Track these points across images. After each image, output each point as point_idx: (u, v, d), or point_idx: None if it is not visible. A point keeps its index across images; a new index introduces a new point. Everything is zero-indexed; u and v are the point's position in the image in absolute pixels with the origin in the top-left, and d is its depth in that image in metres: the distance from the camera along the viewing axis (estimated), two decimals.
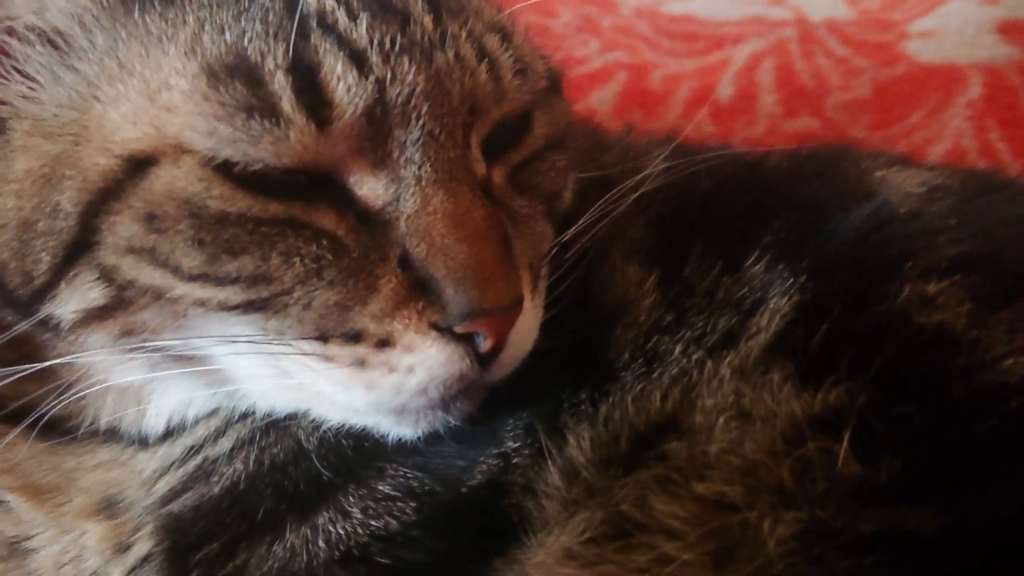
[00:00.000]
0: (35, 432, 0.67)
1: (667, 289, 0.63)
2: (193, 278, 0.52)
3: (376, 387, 0.54)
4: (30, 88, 0.56)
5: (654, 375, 0.58)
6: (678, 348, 0.60)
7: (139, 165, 0.52)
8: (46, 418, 0.65)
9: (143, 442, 0.67)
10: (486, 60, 0.57)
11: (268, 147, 0.51)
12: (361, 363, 0.54)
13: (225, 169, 0.51)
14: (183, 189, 0.51)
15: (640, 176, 0.71)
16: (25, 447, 0.68)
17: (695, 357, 0.58)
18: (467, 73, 0.55)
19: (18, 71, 0.56)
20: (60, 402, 0.64)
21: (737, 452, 0.52)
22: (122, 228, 0.52)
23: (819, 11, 1.59)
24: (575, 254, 0.67)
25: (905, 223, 0.64)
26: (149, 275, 0.53)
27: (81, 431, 0.68)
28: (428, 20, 0.55)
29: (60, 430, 0.67)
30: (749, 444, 0.52)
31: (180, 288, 0.53)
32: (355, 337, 0.53)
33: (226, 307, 0.53)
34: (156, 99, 0.52)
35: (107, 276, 0.54)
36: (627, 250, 0.67)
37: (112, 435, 0.68)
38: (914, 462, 0.48)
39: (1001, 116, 1.29)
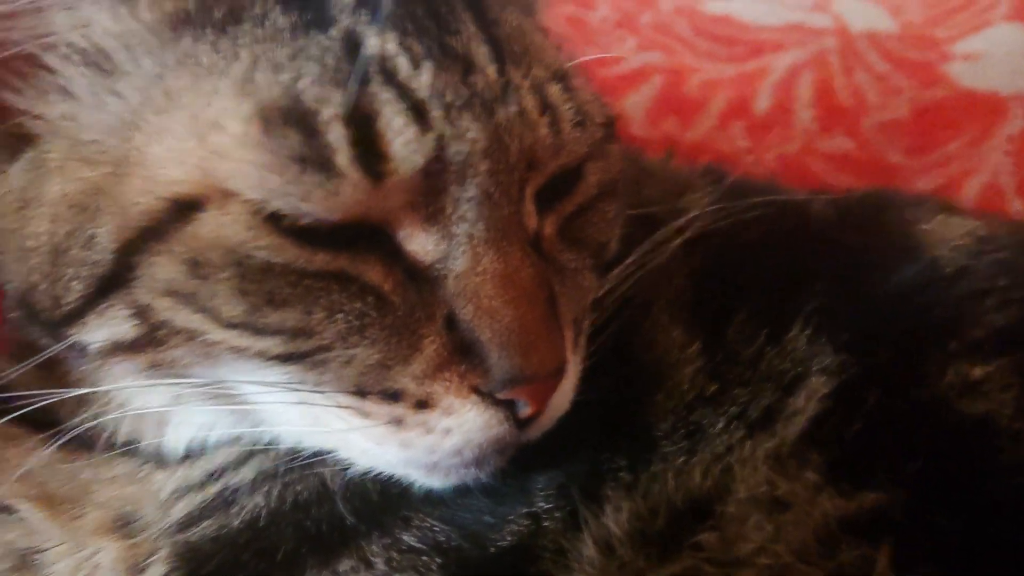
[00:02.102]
0: (51, 440, 0.67)
1: (711, 356, 0.61)
2: (232, 326, 0.50)
3: (411, 446, 0.53)
4: (69, 107, 0.54)
5: (696, 449, 0.57)
6: (720, 423, 0.58)
7: (184, 209, 0.49)
8: (64, 430, 0.64)
9: (161, 461, 0.66)
10: (547, 113, 0.54)
11: (320, 202, 0.48)
12: (398, 422, 0.52)
13: (274, 220, 0.49)
14: (229, 238, 0.49)
15: (685, 220, 0.69)
16: (40, 453, 0.67)
17: (737, 435, 0.57)
18: (528, 128, 0.53)
19: (58, 88, 0.54)
20: (80, 418, 0.63)
21: (769, 553, 0.51)
22: (162, 271, 0.50)
23: (862, 20, 1.55)
24: (616, 301, 0.65)
25: (951, 284, 0.62)
26: (186, 318, 0.51)
27: (98, 443, 0.67)
28: (492, 69, 0.52)
29: (76, 440, 0.66)
30: (782, 545, 0.50)
31: (218, 334, 0.51)
32: (393, 396, 0.52)
33: (263, 356, 0.51)
34: (205, 140, 0.49)
35: (140, 313, 0.53)
36: (672, 307, 0.65)
37: (129, 450, 0.67)
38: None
39: None
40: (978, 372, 0.56)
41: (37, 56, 0.54)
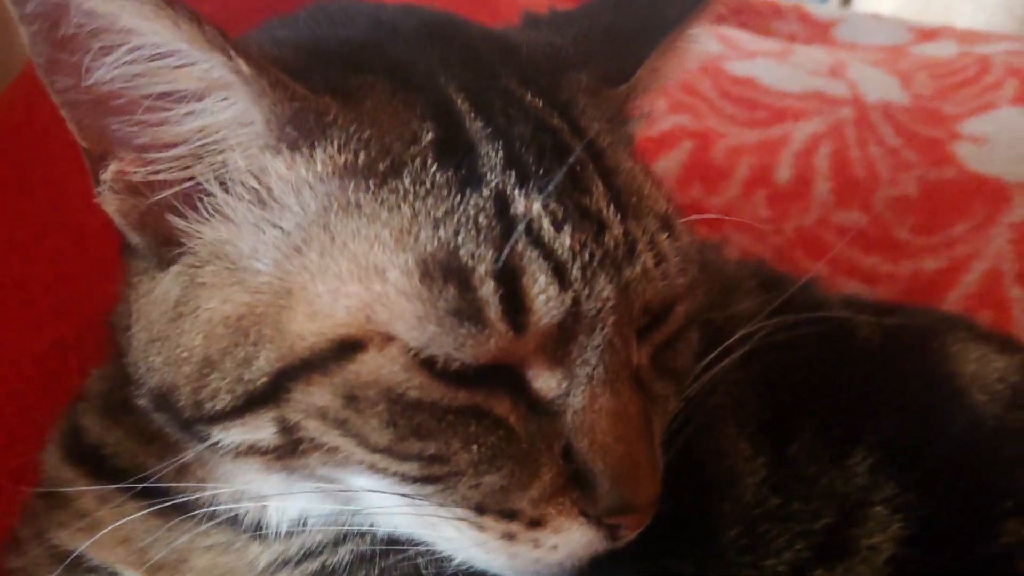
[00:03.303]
0: (150, 506, 0.71)
1: (775, 470, 0.68)
2: (377, 451, 0.56)
3: (518, 558, 0.59)
4: (228, 232, 0.58)
5: (761, 562, 0.64)
6: (783, 537, 0.65)
7: (347, 348, 0.54)
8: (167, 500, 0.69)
9: (256, 534, 0.71)
10: (661, 265, 0.60)
11: (469, 349, 0.54)
12: (510, 537, 0.58)
13: (428, 363, 0.54)
14: (387, 378, 0.54)
15: (744, 333, 0.75)
16: (141, 520, 0.71)
17: (803, 553, 0.63)
18: (648, 283, 0.59)
19: (220, 213, 0.58)
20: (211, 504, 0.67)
21: None
22: (318, 398, 0.55)
23: (875, 90, 1.62)
24: (684, 410, 0.71)
25: (995, 440, 0.69)
26: (332, 439, 0.56)
27: (195, 511, 0.71)
28: (619, 229, 0.58)
29: (174, 506, 0.71)
30: None
31: (360, 455, 0.56)
32: (510, 515, 0.57)
33: (400, 477, 0.57)
34: (370, 286, 0.54)
35: (286, 428, 0.57)
36: (738, 418, 0.71)
37: (226, 521, 0.71)
38: None
39: None
40: None
41: (208, 188, 0.58)
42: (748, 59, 1.67)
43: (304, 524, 0.70)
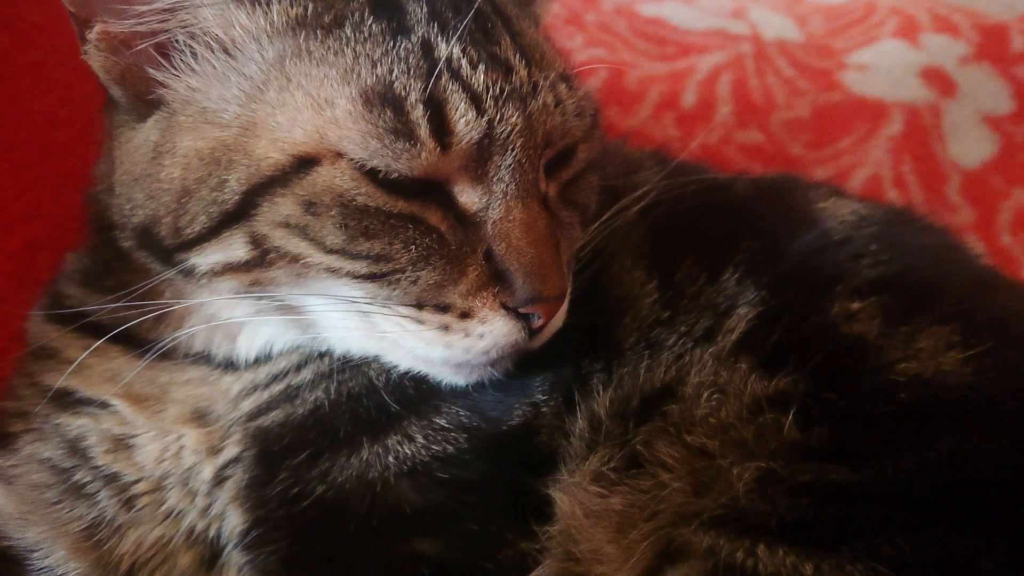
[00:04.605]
0: (133, 350, 0.82)
1: (664, 291, 0.82)
2: (332, 251, 0.67)
3: (452, 347, 0.71)
4: (198, 81, 0.70)
5: (657, 356, 0.78)
6: (672, 339, 0.79)
7: (305, 163, 0.66)
8: (154, 345, 0.79)
9: (229, 366, 0.82)
10: (559, 106, 0.73)
11: (405, 162, 0.66)
12: (445, 328, 0.70)
13: (371, 174, 0.66)
14: (338, 186, 0.66)
15: (642, 191, 0.90)
16: (125, 361, 0.82)
17: (686, 346, 0.78)
18: (548, 116, 0.72)
19: (190, 66, 0.70)
20: (173, 333, 0.78)
21: (715, 416, 0.72)
22: (282, 208, 0.67)
23: (772, 29, 1.79)
24: (590, 251, 0.85)
25: (838, 247, 0.84)
26: (295, 245, 0.68)
27: (173, 352, 0.82)
28: (524, 73, 0.71)
29: (154, 349, 0.80)
30: (723, 411, 0.72)
31: (318, 257, 0.68)
32: (444, 308, 0.70)
33: (352, 276, 0.68)
34: (321, 112, 0.66)
35: (255, 240, 0.69)
36: (633, 255, 0.85)
37: (201, 358, 0.82)
38: (835, 433, 0.69)
39: (914, 152, 1.53)
40: (856, 306, 0.78)
41: (180, 40, 0.69)
42: (657, 2, 1.82)
43: (270, 353, 0.81)
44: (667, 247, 0.86)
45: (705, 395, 0.73)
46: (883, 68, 1.69)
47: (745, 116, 1.62)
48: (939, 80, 1.65)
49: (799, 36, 1.81)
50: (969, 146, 1.56)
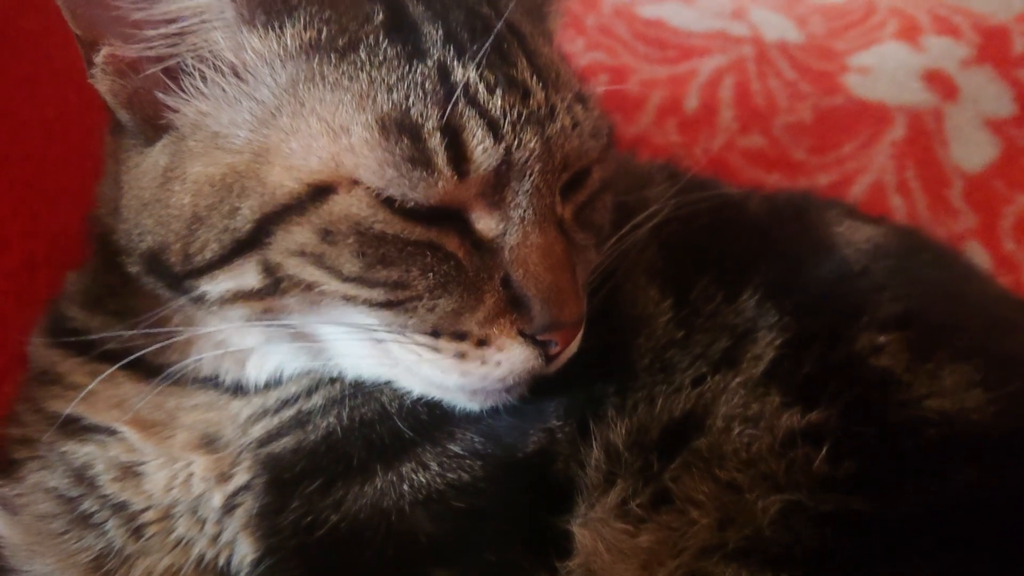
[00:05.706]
0: (140, 375, 0.80)
1: (679, 310, 0.81)
2: (349, 280, 0.66)
3: (469, 375, 0.70)
4: (208, 106, 0.68)
5: (671, 380, 0.77)
6: (686, 360, 0.78)
7: (321, 192, 0.65)
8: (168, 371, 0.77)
9: (238, 391, 0.80)
10: (576, 128, 0.72)
11: (422, 191, 0.65)
12: (461, 356, 0.69)
13: (388, 202, 0.65)
14: (355, 214, 0.64)
15: (654, 209, 0.89)
16: (132, 387, 0.80)
17: (701, 369, 0.77)
18: (566, 139, 0.70)
19: (200, 90, 0.68)
20: (184, 360, 0.77)
21: (746, 450, 0.71)
22: (297, 236, 0.65)
23: (773, 30, 1.78)
24: (604, 270, 0.84)
25: (858, 278, 0.83)
26: (310, 273, 0.66)
27: (181, 377, 0.80)
28: (541, 95, 0.70)
29: (162, 375, 0.79)
30: (756, 446, 0.71)
31: (334, 286, 0.66)
32: (460, 336, 0.69)
33: (368, 303, 0.67)
34: (337, 140, 0.64)
35: (268, 269, 0.67)
36: (647, 273, 0.84)
37: (209, 383, 0.81)
38: (861, 466, 0.68)
39: (918, 157, 1.52)
40: (882, 339, 0.77)
41: (189, 63, 0.68)
42: (657, 3, 1.80)
43: (280, 378, 0.80)
44: (682, 265, 0.85)
45: (737, 429, 0.72)
46: (885, 71, 1.68)
47: (748, 120, 1.61)
48: (941, 83, 1.64)
49: (799, 37, 1.80)
50: (971, 150, 1.55)
